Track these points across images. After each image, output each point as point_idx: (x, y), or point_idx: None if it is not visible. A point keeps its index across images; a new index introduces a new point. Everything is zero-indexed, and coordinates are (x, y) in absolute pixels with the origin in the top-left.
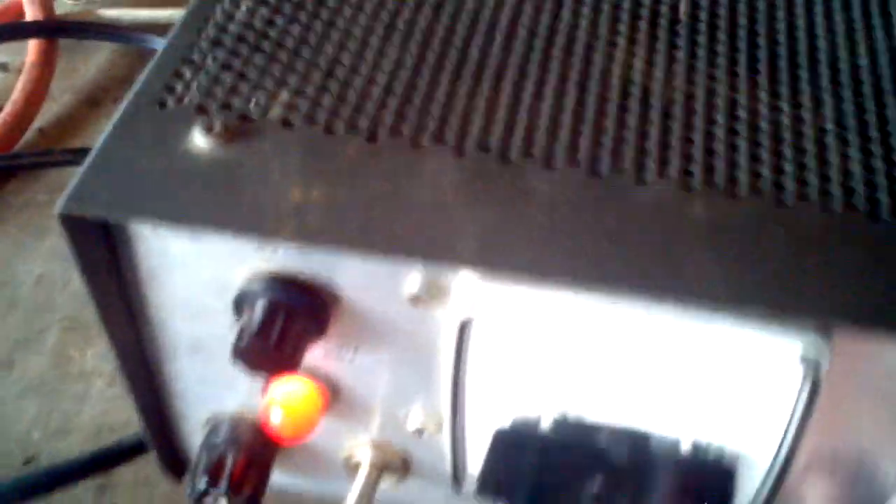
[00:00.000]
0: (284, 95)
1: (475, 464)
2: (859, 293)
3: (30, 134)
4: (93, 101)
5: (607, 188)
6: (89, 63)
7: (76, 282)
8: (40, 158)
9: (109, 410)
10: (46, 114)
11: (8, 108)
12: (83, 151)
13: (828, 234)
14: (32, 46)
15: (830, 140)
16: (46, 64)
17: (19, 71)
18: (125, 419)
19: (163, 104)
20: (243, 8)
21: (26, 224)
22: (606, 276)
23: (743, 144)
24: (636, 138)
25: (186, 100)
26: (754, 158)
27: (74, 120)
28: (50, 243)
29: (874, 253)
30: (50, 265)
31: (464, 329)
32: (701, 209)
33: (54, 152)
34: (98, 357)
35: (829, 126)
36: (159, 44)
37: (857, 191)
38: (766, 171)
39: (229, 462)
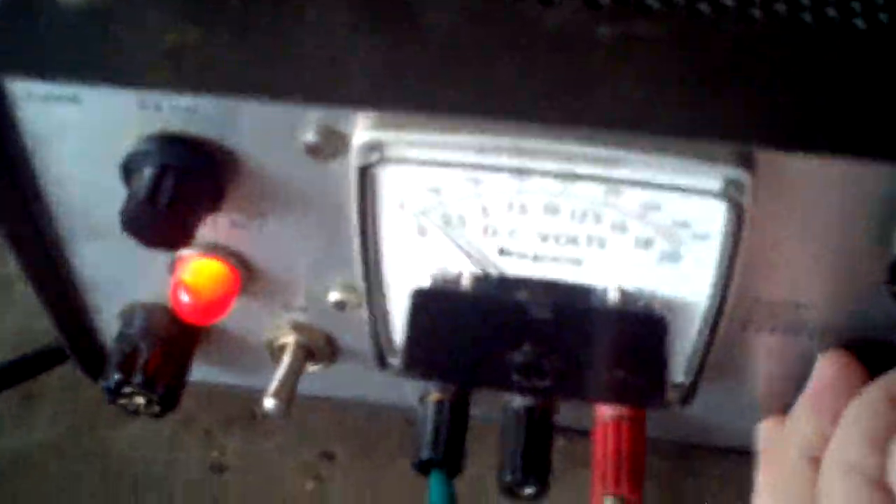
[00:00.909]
0: None
1: (399, 337)
2: (781, 112)
3: None
4: None
5: (510, 12)
6: None
7: None
8: None
9: (34, 317)
10: None
11: None
12: None
13: (747, 46)
14: None
15: None
16: None
17: None
18: (49, 326)
19: None
20: None
21: None
22: (512, 108)
23: None
24: None
25: None
26: None
27: None
28: None
29: (798, 63)
30: None
31: (364, 177)
32: (611, 28)
33: None
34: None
35: None
36: None
37: None
38: None
39: (143, 354)
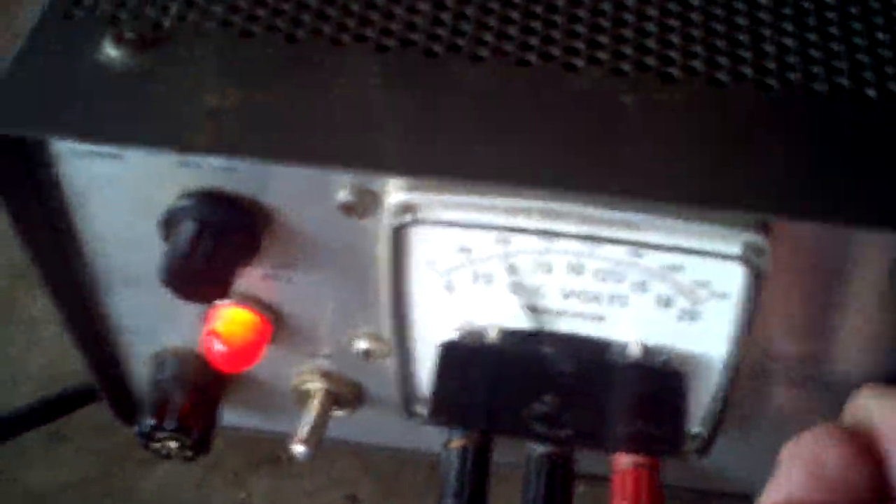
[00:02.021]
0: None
1: (425, 385)
2: (797, 180)
3: None
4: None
5: (538, 77)
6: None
7: None
8: None
9: (58, 358)
10: None
11: None
12: None
13: (764, 113)
14: None
15: (764, 15)
16: None
17: None
18: (75, 367)
19: (71, 16)
20: None
21: None
22: (540, 175)
23: (675, 23)
24: (565, 23)
25: (95, 10)
26: (687, 38)
27: None
28: None
29: (812, 130)
30: None
31: (397, 236)
32: (634, 95)
33: None
34: (47, 304)
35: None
36: None
37: (793, 65)
38: (699, 50)
39: (176, 399)
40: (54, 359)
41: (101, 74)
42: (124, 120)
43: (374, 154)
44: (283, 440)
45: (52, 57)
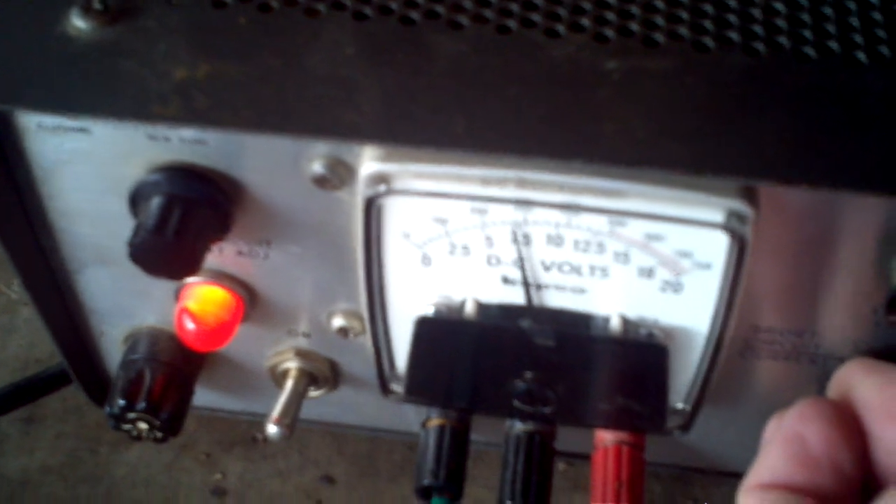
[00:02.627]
0: None
1: (401, 364)
2: (784, 145)
3: None
4: None
5: (518, 45)
6: None
7: None
8: None
9: (37, 342)
10: None
11: None
12: None
13: (752, 79)
14: None
15: None
16: None
17: None
18: (53, 349)
19: None
20: None
21: None
22: (518, 142)
23: None
24: None
25: None
26: (671, 2)
27: None
28: None
29: (801, 95)
30: None
31: (370, 207)
32: (618, 61)
33: None
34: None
35: None
36: None
37: (782, 29)
38: (684, 15)
39: (147, 380)
40: (33, 341)
41: (69, 47)
42: (92, 93)
43: (349, 124)
44: (256, 421)
45: (17, 29)
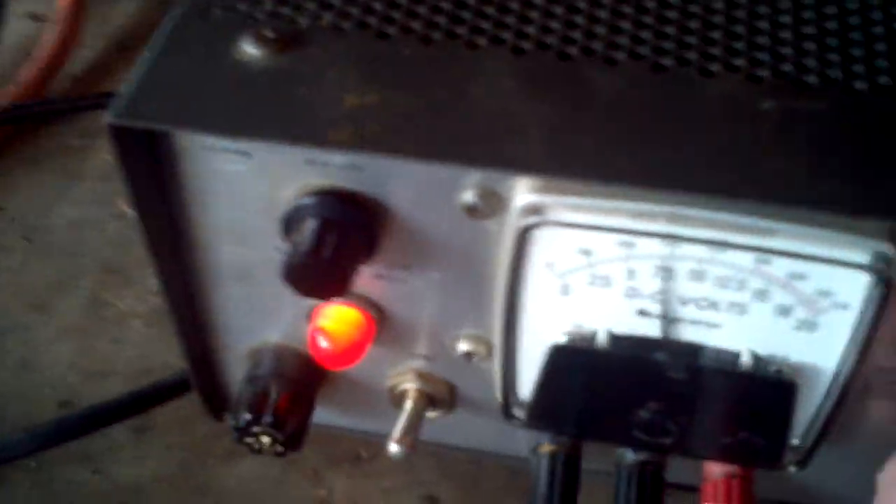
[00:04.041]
0: (334, 1)
1: (525, 388)
2: None
3: (63, 81)
4: (123, 47)
5: (673, 82)
6: (118, 9)
7: (112, 227)
8: (73, 103)
9: (147, 352)
10: (78, 60)
11: (41, 56)
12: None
13: None
14: None
15: None
16: (77, 11)
17: (51, 20)
18: (162, 361)
19: (209, 15)
20: None
21: (61, 169)
22: (674, 179)
23: (811, 31)
24: (700, 28)
25: (234, 9)
26: (823, 47)
27: (105, 65)
28: (85, 188)
29: None
30: (85, 210)
31: (523, 237)
32: (772, 102)
33: (87, 97)
34: (135, 299)
35: None
36: None
37: None
38: (835, 57)
39: (273, 394)
40: (143, 352)
41: (242, 72)
42: (265, 117)
43: (510, 155)
44: (363, 439)
45: (192, 54)
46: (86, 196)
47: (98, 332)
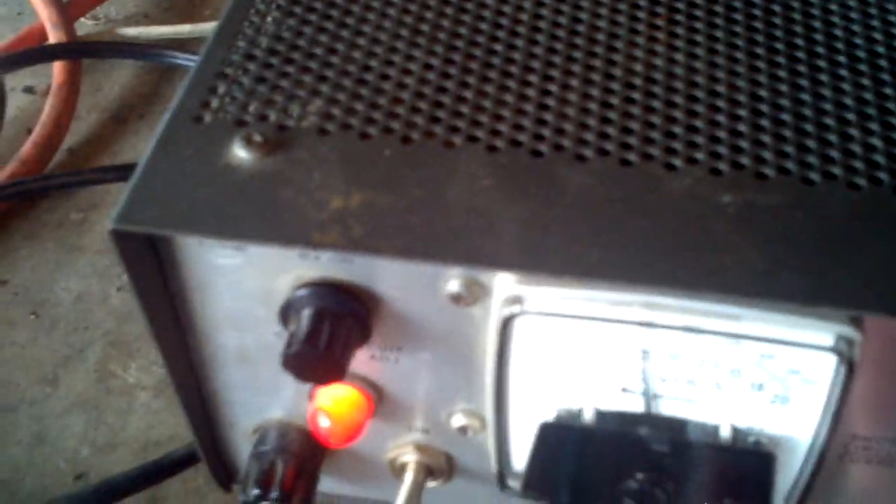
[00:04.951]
0: (319, 104)
1: (519, 460)
2: (888, 277)
3: (60, 154)
4: (119, 119)
5: (639, 177)
6: (113, 81)
7: (115, 298)
8: (71, 178)
9: (154, 424)
10: (74, 133)
11: (38, 130)
12: (112, 169)
13: (854, 211)
14: (57, 68)
15: (852, 115)
16: (72, 85)
17: (46, 93)
18: (170, 432)
19: (201, 119)
20: (270, 20)
21: (62, 243)
22: (644, 272)
23: (767, 124)
24: (663, 124)
25: (223, 114)
26: (779, 138)
27: (102, 138)
28: (86, 261)
29: None
30: (88, 282)
31: (506, 326)
32: (732, 195)
33: (84, 172)
34: (141, 371)
35: (850, 102)
36: (181, 59)
37: (880, 164)
38: (791, 150)
39: (279, 470)
40: (151, 423)
41: (232, 175)
42: (255, 219)
43: (486, 252)
44: None
45: (186, 158)
46: (87, 269)
47: (106, 404)
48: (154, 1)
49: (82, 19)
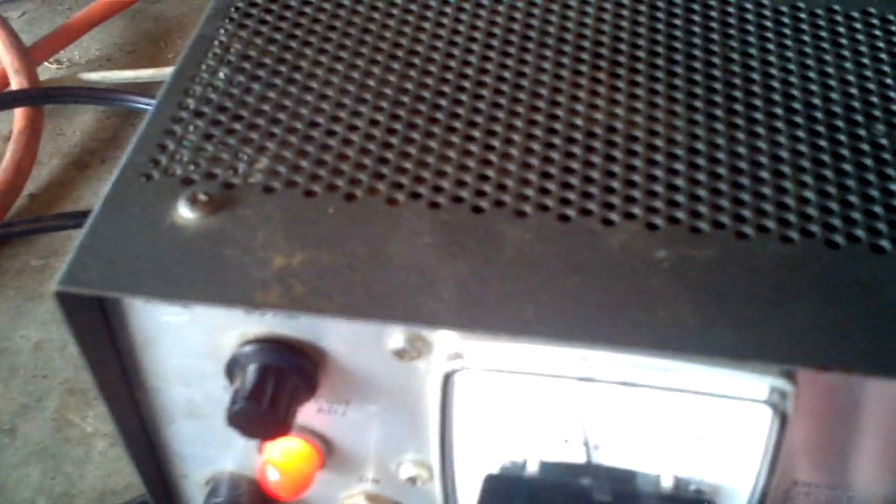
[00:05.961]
0: (265, 161)
1: None
2: (819, 331)
3: (21, 199)
4: (80, 164)
5: (577, 233)
6: (75, 126)
7: (72, 347)
8: (32, 225)
9: (112, 472)
10: (36, 178)
11: (1, 179)
12: (73, 215)
13: (786, 264)
14: (19, 114)
15: (787, 168)
16: (34, 130)
17: (7, 139)
18: (127, 481)
19: (149, 177)
20: (221, 76)
21: (22, 290)
22: (580, 329)
23: (704, 178)
24: (602, 178)
25: (171, 172)
26: (714, 192)
27: (63, 183)
28: (45, 308)
29: (831, 281)
30: (47, 330)
31: (447, 381)
32: (667, 250)
33: (44, 218)
34: (98, 419)
35: (786, 155)
36: (142, 103)
37: (813, 217)
38: (726, 204)
39: None
40: (108, 472)
41: (177, 235)
42: (199, 280)
43: (424, 310)
44: None
45: (131, 218)
46: (47, 316)
47: (64, 453)
48: (118, 45)
49: (46, 63)
